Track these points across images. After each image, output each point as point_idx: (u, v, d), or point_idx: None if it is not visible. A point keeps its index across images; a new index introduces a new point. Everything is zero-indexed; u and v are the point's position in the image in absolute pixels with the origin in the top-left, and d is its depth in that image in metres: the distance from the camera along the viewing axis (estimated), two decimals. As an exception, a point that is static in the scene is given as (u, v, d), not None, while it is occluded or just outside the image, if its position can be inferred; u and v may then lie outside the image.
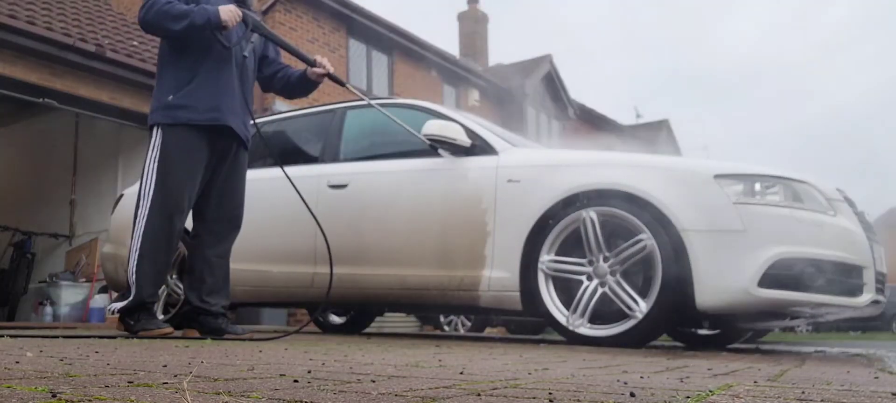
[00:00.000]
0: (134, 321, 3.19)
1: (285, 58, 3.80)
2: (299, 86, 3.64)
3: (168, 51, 3.32)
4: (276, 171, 4.51)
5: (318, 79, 3.60)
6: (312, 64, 3.55)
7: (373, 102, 4.02)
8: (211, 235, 3.42)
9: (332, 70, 3.58)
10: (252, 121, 3.52)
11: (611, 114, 21.09)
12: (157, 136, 3.28)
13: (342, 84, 3.67)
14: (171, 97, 3.26)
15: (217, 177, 3.41)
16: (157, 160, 3.24)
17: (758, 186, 3.19)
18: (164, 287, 4.24)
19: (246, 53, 3.37)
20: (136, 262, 3.20)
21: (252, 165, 4.56)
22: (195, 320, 3.37)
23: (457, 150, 3.74)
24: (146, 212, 3.21)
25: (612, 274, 3.26)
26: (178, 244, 3.33)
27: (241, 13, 3.27)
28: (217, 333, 3.26)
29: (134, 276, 3.20)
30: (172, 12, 3.14)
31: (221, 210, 3.43)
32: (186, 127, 3.24)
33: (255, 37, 3.39)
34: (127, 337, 3.01)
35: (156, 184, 3.22)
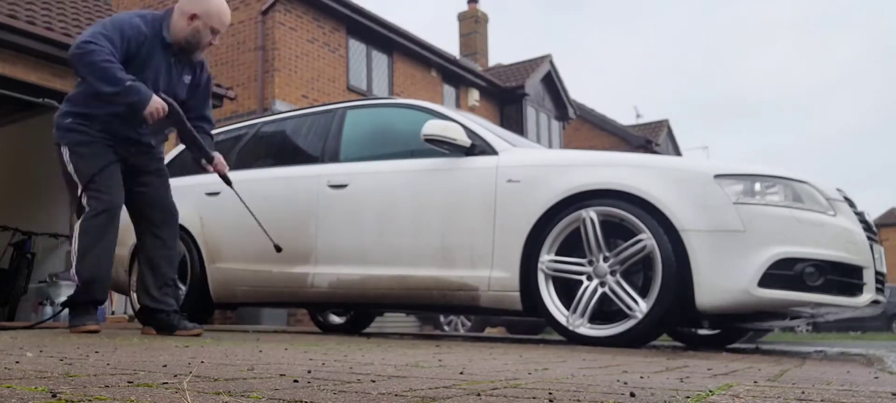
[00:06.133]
0: (73, 315, 3.30)
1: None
2: (190, 148, 3.61)
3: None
4: (275, 171, 4.51)
5: (205, 169, 3.67)
6: (210, 159, 3.59)
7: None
8: (149, 236, 3.50)
9: (225, 173, 3.66)
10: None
11: (610, 113, 21.11)
12: (64, 153, 3.33)
13: (229, 184, 3.71)
14: (69, 120, 3.31)
15: (138, 188, 3.46)
16: (71, 163, 3.32)
17: (758, 186, 3.18)
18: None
19: (154, 143, 3.46)
20: (75, 260, 3.29)
21: (252, 165, 4.57)
22: (151, 318, 3.46)
23: (456, 150, 3.74)
24: (81, 214, 3.30)
25: (612, 274, 3.26)
26: (116, 237, 3.37)
27: (166, 112, 3.20)
28: (169, 330, 3.36)
29: (74, 271, 3.30)
30: (108, 74, 3.05)
31: (153, 216, 3.50)
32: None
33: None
34: (126, 337, 3.01)
35: (81, 185, 3.29)
